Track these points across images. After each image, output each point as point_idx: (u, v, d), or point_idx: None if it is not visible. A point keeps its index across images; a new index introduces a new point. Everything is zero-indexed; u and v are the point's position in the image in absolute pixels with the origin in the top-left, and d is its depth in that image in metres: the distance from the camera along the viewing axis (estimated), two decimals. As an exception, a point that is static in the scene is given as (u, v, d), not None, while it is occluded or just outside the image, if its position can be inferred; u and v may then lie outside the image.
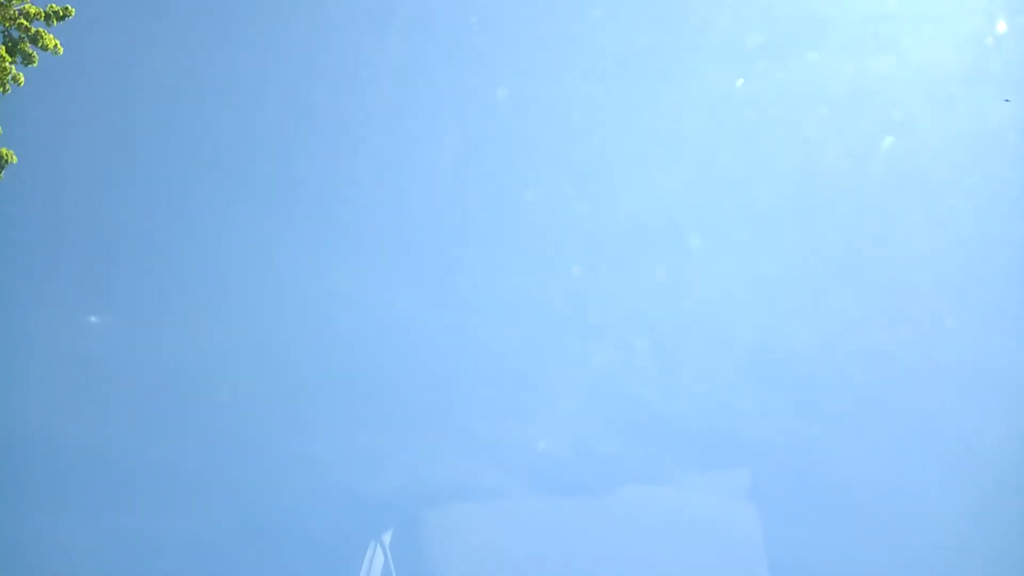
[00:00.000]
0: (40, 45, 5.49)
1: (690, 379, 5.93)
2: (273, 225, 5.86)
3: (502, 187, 6.31)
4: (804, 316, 5.89)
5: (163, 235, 6.05)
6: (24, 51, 5.49)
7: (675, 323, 6.09)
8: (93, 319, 5.62)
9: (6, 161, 5.30)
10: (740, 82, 6.24)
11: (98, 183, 6.04)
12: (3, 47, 5.35)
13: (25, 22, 5.48)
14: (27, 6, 5.47)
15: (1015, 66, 5.44)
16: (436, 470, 5.82)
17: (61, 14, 5.51)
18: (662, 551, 5.80)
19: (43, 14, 5.49)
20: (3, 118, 5.53)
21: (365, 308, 5.84)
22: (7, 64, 5.32)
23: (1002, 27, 5.39)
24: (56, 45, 5.50)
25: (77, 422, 5.60)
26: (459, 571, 5.86)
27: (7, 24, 5.39)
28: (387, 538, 5.90)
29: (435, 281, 6.05)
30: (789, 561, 5.83)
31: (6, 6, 5.33)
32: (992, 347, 5.53)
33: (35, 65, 5.46)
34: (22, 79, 5.42)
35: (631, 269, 6.16)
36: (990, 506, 5.23)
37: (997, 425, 5.46)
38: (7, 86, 5.36)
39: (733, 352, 5.95)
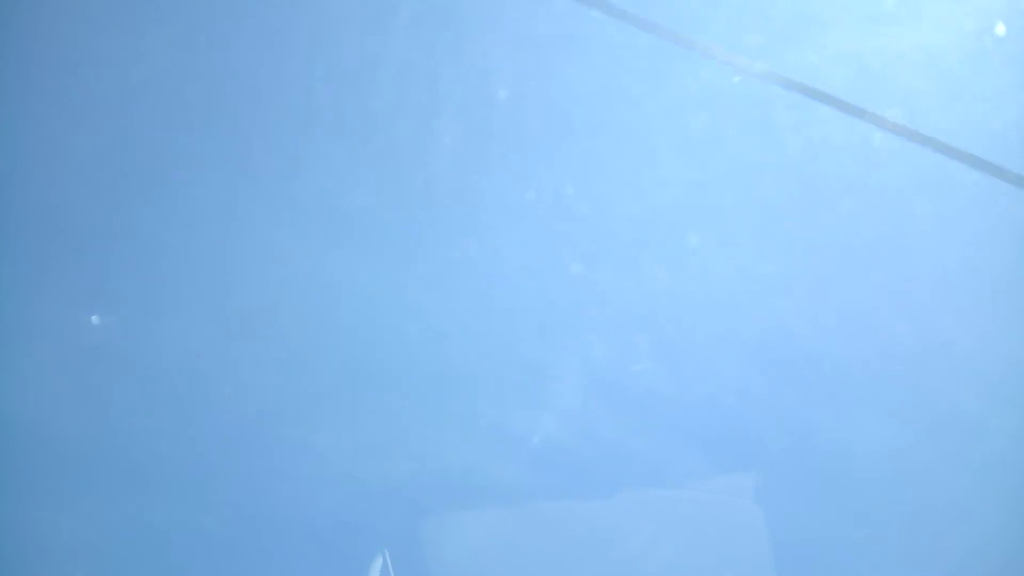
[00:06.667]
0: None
1: (699, 371, 6.00)
2: (276, 218, 5.90)
3: (503, 183, 6.39)
4: (811, 310, 5.97)
5: (165, 229, 6.07)
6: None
7: (681, 315, 6.18)
8: (95, 313, 5.64)
9: None
10: (736, 79, 6.37)
11: (98, 179, 6.08)
12: None
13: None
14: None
15: (1017, 65, 5.55)
16: (441, 459, 5.87)
17: None
18: (670, 544, 5.85)
19: None
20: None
21: (369, 300, 5.88)
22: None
23: (1002, 28, 5.50)
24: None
25: (80, 416, 5.61)
26: (463, 560, 5.89)
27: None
28: (392, 530, 5.91)
29: (439, 273, 6.12)
30: (797, 557, 5.88)
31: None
32: (1007, 341, 5.62)
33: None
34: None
35: (637, 262, 6.25)
36: (1010, 505, 5.32)
37: (1015, 422, 5.53)
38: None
39: (742, 344, 6.03)
